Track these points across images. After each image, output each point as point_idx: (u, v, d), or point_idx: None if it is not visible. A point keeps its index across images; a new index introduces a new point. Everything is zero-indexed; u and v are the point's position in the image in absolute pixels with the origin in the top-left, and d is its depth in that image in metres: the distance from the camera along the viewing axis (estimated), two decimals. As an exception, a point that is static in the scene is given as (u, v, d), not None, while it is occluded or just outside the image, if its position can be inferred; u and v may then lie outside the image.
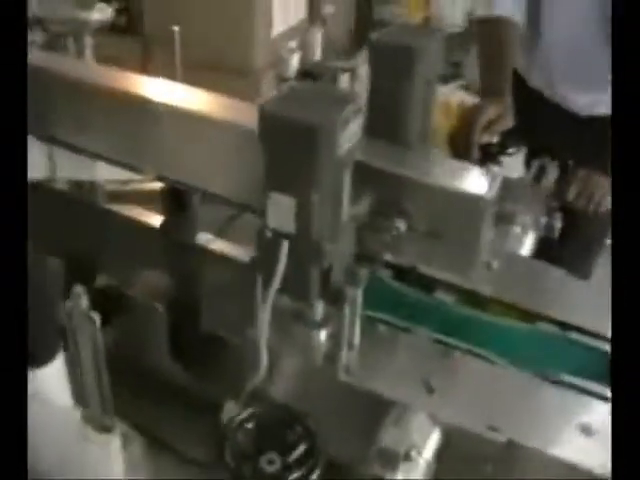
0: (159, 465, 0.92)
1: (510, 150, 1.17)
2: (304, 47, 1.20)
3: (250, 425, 0.75)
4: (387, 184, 0.91)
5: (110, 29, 1.27)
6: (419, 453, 0.83)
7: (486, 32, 1.33)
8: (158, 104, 0.97)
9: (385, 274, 1.04)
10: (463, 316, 1.00)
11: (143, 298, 1.09)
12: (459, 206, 0.88)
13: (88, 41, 1.12)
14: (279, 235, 0.82)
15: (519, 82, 1.43)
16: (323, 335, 0.94)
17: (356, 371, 0.91)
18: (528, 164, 1.29)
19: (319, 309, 0.93)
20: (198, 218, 1.16)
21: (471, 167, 0.93)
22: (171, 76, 1.09)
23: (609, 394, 0.92)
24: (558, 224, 1.18)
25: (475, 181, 0.89)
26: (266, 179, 0.80)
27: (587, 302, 1.03)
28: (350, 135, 0.79)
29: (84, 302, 0.72)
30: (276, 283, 0.83)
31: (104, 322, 1.10)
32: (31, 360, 0.77)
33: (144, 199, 1.29)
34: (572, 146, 1.33)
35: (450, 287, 1.02)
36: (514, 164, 1.30)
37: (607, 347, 0.96)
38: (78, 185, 1.24)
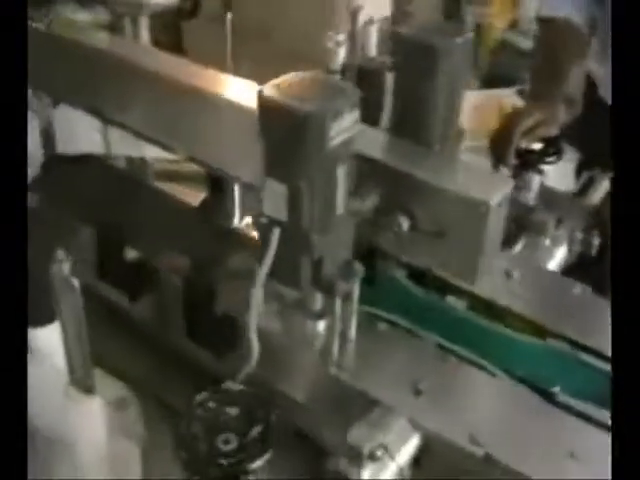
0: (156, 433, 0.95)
1: (550, 159, 1.13)
2: (352, 40, 1.20)
3: (211, 405, 0.76)
4: (394, 181, 0.90)
5: (177, 14, 1.32)
6: (391, 456, 0.82)
7: (542, 33, 1.28)
8: (187, 86, 1.00)
9: (399, 273, 1.03)
10: (470, 323, 0.97)
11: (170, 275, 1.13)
12: (462, 210, 0.86)
13: (144, 23, 1.17)
14: (273, 222, 0.83)
15: (590, 88, 1.37)
16: (321, 326, 0.95)
17: (348, 365, 0.91)
18: (579, 175, 1.24)
19: (318, 299, 0.93)
20: (235, 202, 1.18)
21: (485, 172, 0.91)
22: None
23: (608, 421, 0.87)
24: (595, 241, 1.13)
25: (482, 186, 0.86)
26: (264, 165, 0.82)
27: (607, 324, 0.98)
28: (344, 127, 0.79)
29: (66, 267, 0.76)
30: (265, 268, 0.84)
31: (133, 295, 1.16)
32: (31, 319, 0.82)
33: (194, 180, 1.33)
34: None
35: (463, 293, 1.00)
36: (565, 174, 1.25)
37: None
38: (129, 161, 1.30)
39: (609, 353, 0.93)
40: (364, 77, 1.16)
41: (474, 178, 0.89)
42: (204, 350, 1.05)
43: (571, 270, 1.13)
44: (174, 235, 1.15)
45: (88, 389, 0.83)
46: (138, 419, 0.92)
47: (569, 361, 0.94)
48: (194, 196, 1.27)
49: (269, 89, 0.79)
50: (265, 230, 0.84)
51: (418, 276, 1.03)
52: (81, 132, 1.25)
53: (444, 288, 1.01)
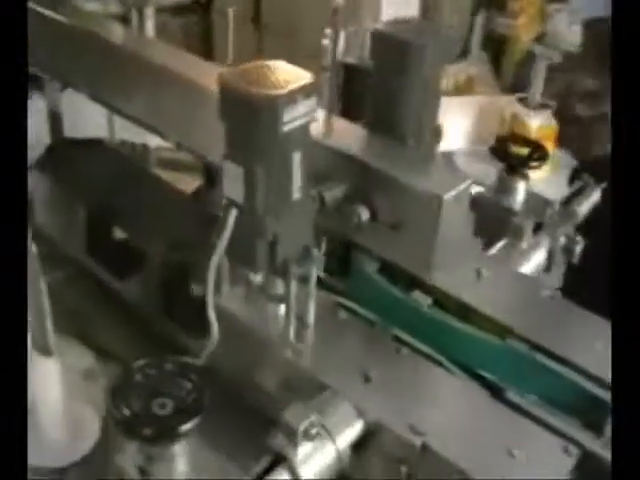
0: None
1: (534, 163, 1.13)
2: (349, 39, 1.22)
3: (150, 371, 0.79)
4: (358, 173, 0.92)
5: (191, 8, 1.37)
6: (331, 438, 0.83)
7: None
8: (177, 75, 1.05)
9: (370, 266, 1.04)
10: (431, 319, 0.98)
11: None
12: (417, 203, 0.88)
13: (149, 13, 1.22)
14: (231, 203, 0.86)
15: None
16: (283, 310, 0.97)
17: (303, 349, 0.93)
18: (572, 183, 1.24)
19: (279, 284, 0.96)
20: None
21: (447, 170, 0.92)
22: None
23: (554, 422, 0.88)
24: (577, 249, 1.13)
25: (439, 181, 0.88)
26: (224, 147, 0.85)
27: (571, 327, 0.98)
28: (299, 114, 0.81)
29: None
30: (221, 247, 0.87)
31: (121, 274, 1.20)
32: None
33: (194, 169, 1.38)
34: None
35: (430, 289, 1.00)
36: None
37: (575, 377, 0.92)
38: (132, 148, 1.35)
39: (569, 356, 0.93)
40: (353, 75, 1.18)
41: (434, 174, 0.91)
42: (182, 330, 1.09)
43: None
44: (166, 220, 1.19)
45: (47, 352, 0.87)
46: (104, 391, 0.96)
47: (526, 362, 0.94)
48: (193, 184, 1.32)
49: (229, 74, 0.82)
50: (224, 210, 0.87)
51: (389, 270, 1.04)
52: (89, 118, 1.30)
53: (413, 283, 1.02)
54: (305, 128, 0.83)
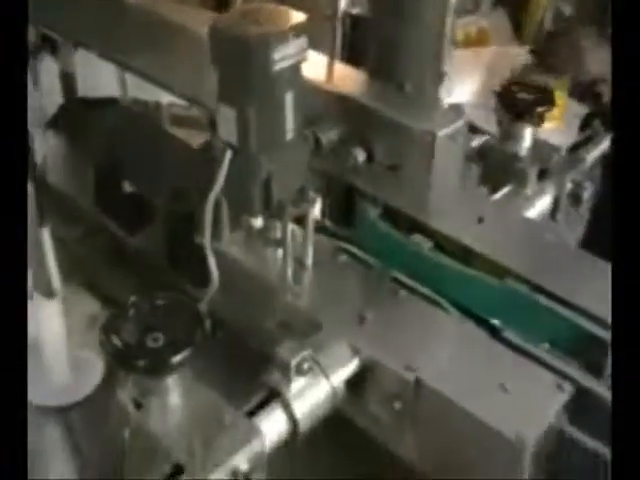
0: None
1: (541, 109, 1.11)
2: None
3: (144, 306, 0.81)
4: (353, 114, 0.93)
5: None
6: (325, 375, 0.84)
7: None
8: (186, 29, 1.06)
9: (372, 211, 1.04)
10: (431, 261, 0.98)
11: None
12: (412, 141, 0.88)
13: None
14: (226, 145, 0.87)
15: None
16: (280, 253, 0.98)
17: (301, 291, 0.94)
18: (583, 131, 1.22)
19: (278, 228, 0.96)
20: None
21: (444, 108, 0.91)
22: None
23: (556, 363, 0.88)
24: (586, 194, 1.12)
25: (433, 119, 0.88)
26: (218, 92, 0.86)
27: (573, 271, 0.97)
28: (290, 53, 0.82)
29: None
30: (217, 188, 0.88)
31: (130, 226, 1.23)
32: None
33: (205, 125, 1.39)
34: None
35: (431, 232, 1.00)
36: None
37: (575, 317, 0.91)
38: (144, 105, 1.37)
39: (569, 297, 0.92)
40: (359, 25, 1.18)
41: (429, 113, 0.90)
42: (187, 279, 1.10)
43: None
44: (173, 171, 1.21)
45: (50, 294, 0.90)
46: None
47: (525, 303, 0.94)
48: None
49: (220, 17, 0.83)
50: (220, 153, 0.88)
51: (392, 216, 1.04)
52: (101, 78, 1.32)
53: (414, 228, 1.02)
54: (296, 68, 0.84)
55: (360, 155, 0.91)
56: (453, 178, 0.91)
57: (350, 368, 0.87)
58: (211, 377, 0.85)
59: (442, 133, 0.85)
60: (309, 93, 0.88)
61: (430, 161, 0.86)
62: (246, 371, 0.93)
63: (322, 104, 0.95)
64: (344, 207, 1.06)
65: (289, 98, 0.85)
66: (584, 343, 0.90)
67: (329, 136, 0.92)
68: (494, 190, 1.12)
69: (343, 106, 0.94)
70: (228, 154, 0.87)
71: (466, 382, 0.83)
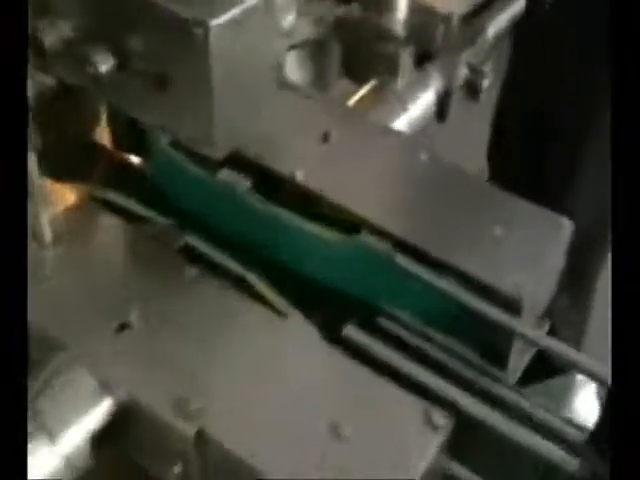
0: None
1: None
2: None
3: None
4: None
5: None
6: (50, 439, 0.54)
7: None
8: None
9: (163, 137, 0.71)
10: (250, 210, 0.66)
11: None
12: (178, 38, 0.53)
13: None
14: None
15: None
16: None
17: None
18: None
19: None
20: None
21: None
22: None
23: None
24: (486, 83, 0.79)
25: (211, 4, 0.52)
26: None
27: (456, 211, 0.66)
28: None
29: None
30: None
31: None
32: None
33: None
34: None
35: (251, 167, 0.68)
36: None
37: (452, 287, 0.61)
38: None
39: (450, 253, 0.62)
40: None
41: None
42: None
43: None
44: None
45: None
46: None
47: (385, 266, 0.63)
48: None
49: None
50: None
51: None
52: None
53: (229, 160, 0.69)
54: None
55: (104, 60, 0.56)
56: (253, 87, 0.57)
57: (95, 418, 0.55)
58: None
59: (217, 22, 0.51)
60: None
61: (205, 65, 0.52)
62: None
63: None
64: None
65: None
66: (473, 325, 0.61)
67: (56, 33, 0.57)
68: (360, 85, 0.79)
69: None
70: None
71: (278, 429, 0.53)
